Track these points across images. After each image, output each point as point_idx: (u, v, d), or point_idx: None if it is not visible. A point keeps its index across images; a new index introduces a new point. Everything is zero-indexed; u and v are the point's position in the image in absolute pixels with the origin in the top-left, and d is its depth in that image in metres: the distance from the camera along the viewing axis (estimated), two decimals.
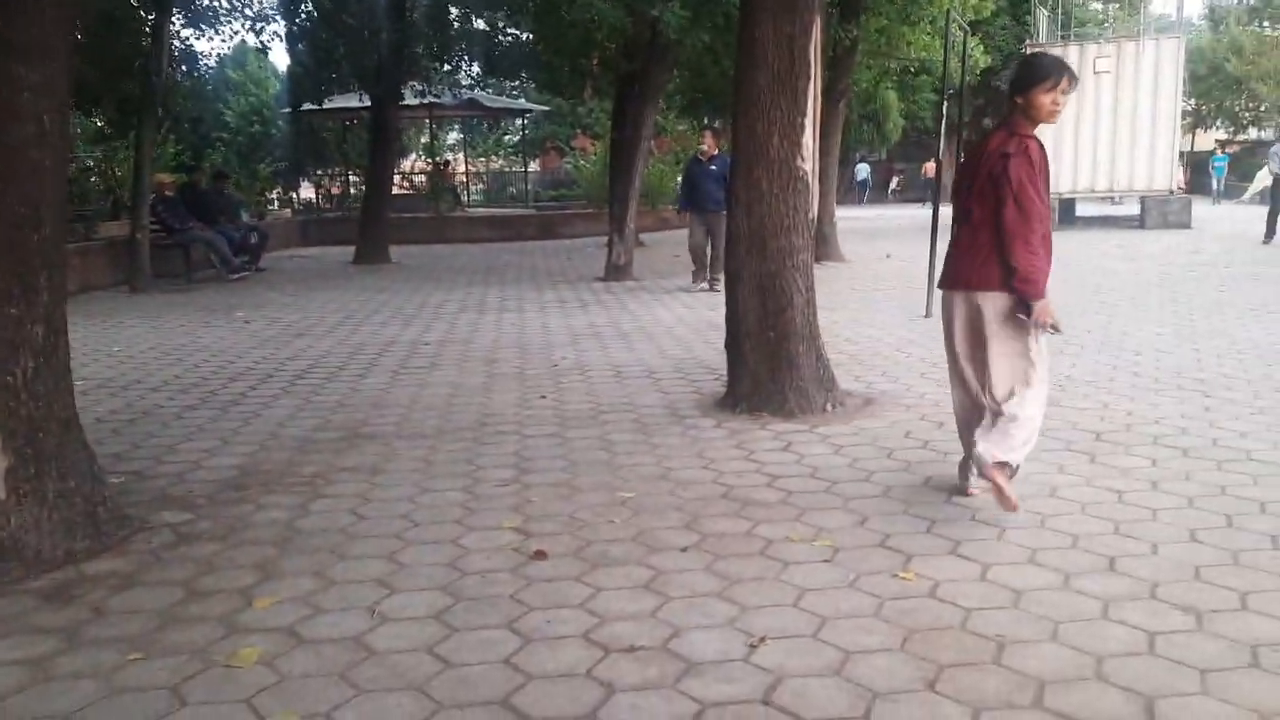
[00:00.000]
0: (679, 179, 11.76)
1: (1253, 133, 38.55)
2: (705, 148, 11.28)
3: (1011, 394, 3.76)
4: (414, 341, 8.37)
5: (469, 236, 21.25)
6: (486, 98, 24.77)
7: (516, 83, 24.15)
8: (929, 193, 11.83)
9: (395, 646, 2.83)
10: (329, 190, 26.58)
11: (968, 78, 11.80)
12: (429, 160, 28.17)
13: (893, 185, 39.65)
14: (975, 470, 3.76)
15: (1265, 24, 38.17)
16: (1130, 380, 6.10)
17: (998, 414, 3.75)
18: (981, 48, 19.67)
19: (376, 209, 16.56)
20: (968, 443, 3.89)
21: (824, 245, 13.63)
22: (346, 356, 7.67)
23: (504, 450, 4.91)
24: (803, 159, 5.43)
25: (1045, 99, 3.67)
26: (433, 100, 18.03)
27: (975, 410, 3.90)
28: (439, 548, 3.60)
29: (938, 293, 9.38)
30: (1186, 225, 19.28)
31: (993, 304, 3.76)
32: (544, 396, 6.11)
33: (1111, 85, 18.80)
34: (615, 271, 12.99)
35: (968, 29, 11.69)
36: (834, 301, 9.95)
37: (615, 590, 3.19)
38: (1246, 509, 3.80)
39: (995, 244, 3.70)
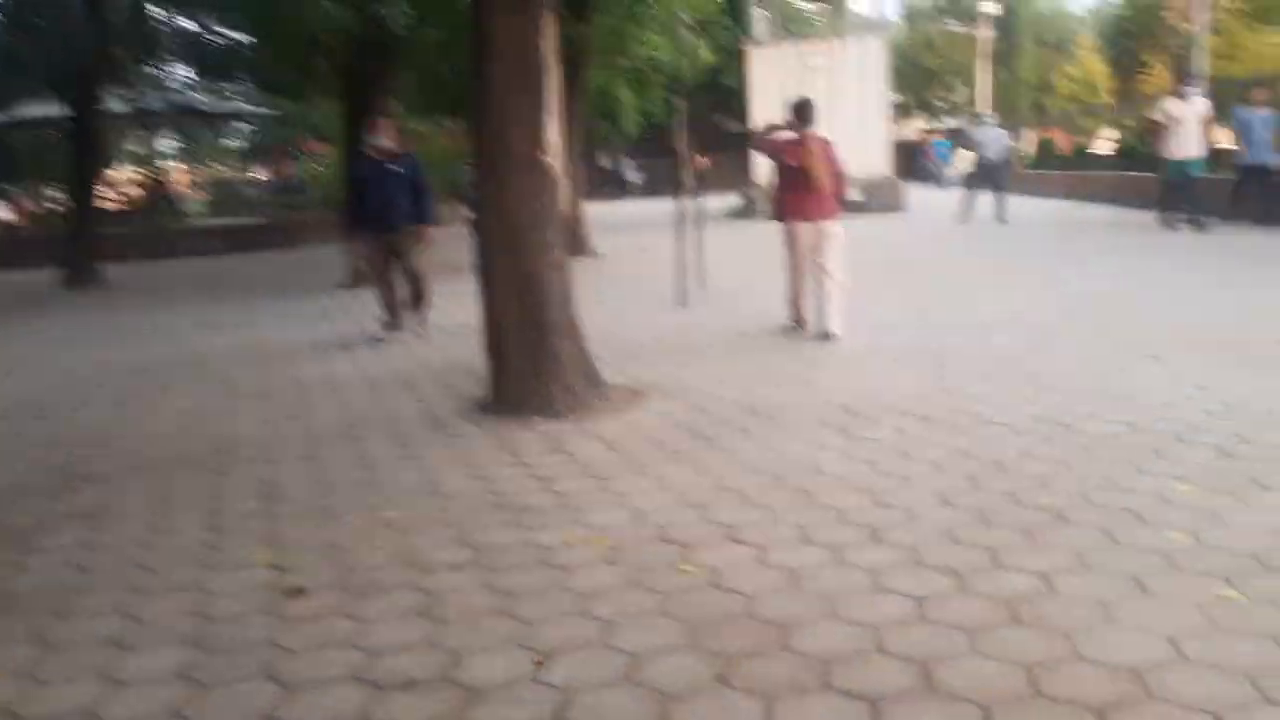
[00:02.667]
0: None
1: (949, 122, 42.12)
2: (383, 142, 8.34)
3: (836, 271, 7.06)
4: (139, 366, 7.63)
5: (195, 250, 19.79)
6: (205, 102, 23.14)
7: (239, 86, 22.72)
8: (688, 187, 11.88)
9: (134, 714, 2.50)
10: (26, 209, 24.02)
11: (695, 76, 12.13)
12: (143, 171, 26.08)
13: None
14: (821, 326, 7.02)
15: (953, 21, 41.83)
16: (869, 356, 6.42)
17: (833, 283, 7.05)
18: (707, 47, 20.37)
19: (84, 226, 15.11)
20: (801, 310, 7.37)
21: (575, 241, 13.63)
22: (58, 389, 6.88)
23: (249, 477, 4.52)
24: (546, 153, 5.34)
25: None
26: (142, 107, 16.64)
27: (804, 291, 7.30)
28: (181, 595, 3.24)
29: (693, 284, 9.74)
30: (901, 209, 20.74)
31: (835, 226, 7.20)
32: (293, 417, 5.71)
33: (826, 80, 19.96)
34: (360, 277, 12.41)
35: (697, 29, 12.01)
36: (591, 296, 9.88)
37: (385, 621, 2.97)
38: (986, 469, 4.05)
39: (833, 195, 7.25)
